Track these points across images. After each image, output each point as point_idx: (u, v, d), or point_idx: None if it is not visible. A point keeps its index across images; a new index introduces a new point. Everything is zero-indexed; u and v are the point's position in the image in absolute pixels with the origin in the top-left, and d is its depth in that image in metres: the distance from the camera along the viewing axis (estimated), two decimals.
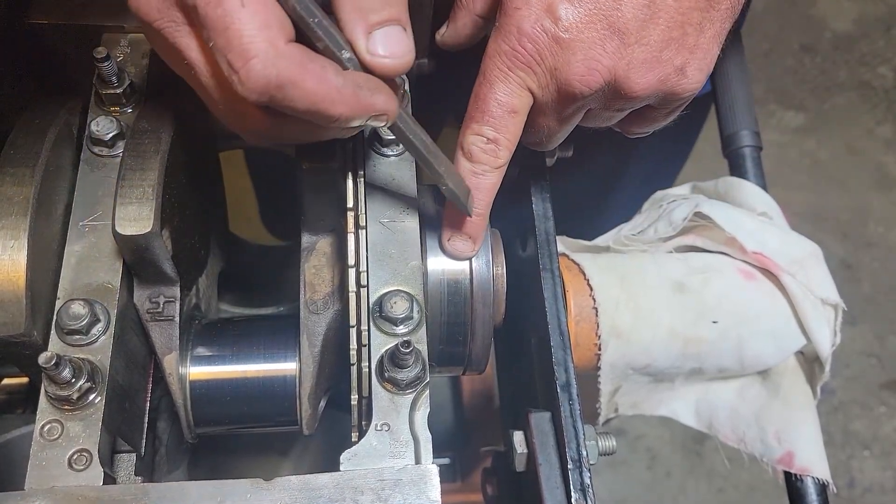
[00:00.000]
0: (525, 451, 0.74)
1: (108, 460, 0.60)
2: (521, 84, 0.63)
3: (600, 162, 1.27)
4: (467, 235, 0.69)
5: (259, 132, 0.59)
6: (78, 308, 0.60)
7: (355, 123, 0.56)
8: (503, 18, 0.62)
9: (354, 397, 0.63)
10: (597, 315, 0.83)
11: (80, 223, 0.65)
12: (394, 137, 0.70)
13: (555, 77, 0.62)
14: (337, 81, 0.53)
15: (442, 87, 1.08)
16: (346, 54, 0.55)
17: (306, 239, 0.75)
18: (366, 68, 0.55)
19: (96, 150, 0.68)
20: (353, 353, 0.63)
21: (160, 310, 0.67)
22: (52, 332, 0.61)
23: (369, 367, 0.61)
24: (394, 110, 0.57)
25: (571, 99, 0.63)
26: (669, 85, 0.63)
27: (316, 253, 0.75)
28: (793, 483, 0.93)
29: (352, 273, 0.65)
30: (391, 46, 0.55)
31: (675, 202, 0.93)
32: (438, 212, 0.73)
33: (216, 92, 0.56)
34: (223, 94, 0.56)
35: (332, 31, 0.54)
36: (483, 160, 0.66)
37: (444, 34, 0.73)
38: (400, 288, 0.64)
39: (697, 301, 0.89)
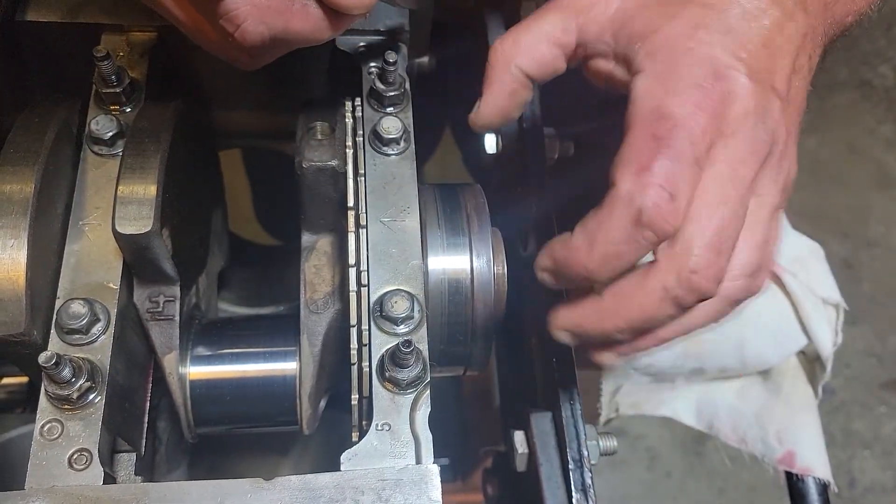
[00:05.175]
0: (526, 451, 0.74)
1: (108, 460, 0.60)
2: None
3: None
4: None
5: (257, 63, 0.64)
6: (78, 307, 0.60)
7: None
8: None
9: (355, 397, 0.63)
10: None
11: (80, 222, 0.65)
12: (395, 136, 0.69)
13: None
14: (318, 13, 0.59)
15: (442, 86, 1.08)
16: None
17: (306, 238, 0.75)
18: (335, 7, 0.59)
19: (96, 148, 0.68)
20: (353, 352, 0.63)
21: (160, 309, 0.67)
22: (52, 331, 0.60)
23: (370, 366, 0.61)
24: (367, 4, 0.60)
25: None
26: None
27: (316, 252, 0.74)
28: (794, 483, 0.93)
29: (352, 272, 0.65)
30: None
31: None
32: (438, 211, 0.73)
33: (210, 42, 0.61)
34: (217, 44, 0.61)
35: None
36: None
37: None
38: (400, 287, 0.64)
39: None
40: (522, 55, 0.59)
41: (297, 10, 0.58)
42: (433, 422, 0.59)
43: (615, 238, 0.51)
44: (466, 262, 0.71)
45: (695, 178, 0.51)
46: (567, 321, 0.57)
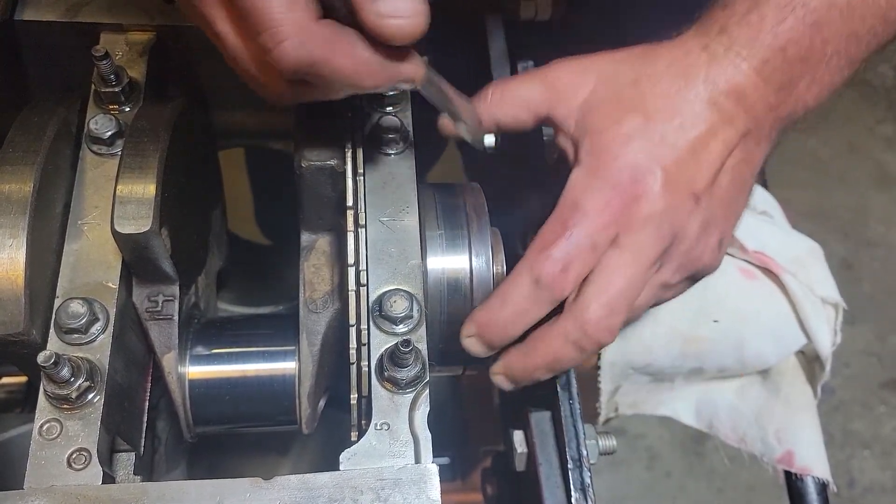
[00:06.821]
0: (525, 450, 0.74)
1: (107, 459, 0.60)
2: None
3: None
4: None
5: (286, 98, 0.60)
6: (77, 307, 0.60)
7: (384, 91, 0.63)
8: None
9: (354, 396, 0.63)
10: None
11: (79, 222, 0.65)
12: (394, 136, 0.70)
13: None
14: (365, 55, 0.55)
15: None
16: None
17: (305, 238, 0.75)
18: (375, 34, 0.53)
19: (95, 148, 0.68)
20: (352, 352, 0.63)
21: (159, 309, 0.67)
22: (51, 330, 0.60)
23: (369, 366, 0.61)
24: (420, 74, 0.59)
25: None
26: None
27: (315, 252, 0.74)
28: (793, 482, 0.93)
29: (351, 272, 0.65)
30: (397, 4, 0.52)
31: None
32: (438, 211, 0.73)
33: (246, 61, 0.58)
34: (253, 65, 0.58)
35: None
36: None
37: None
38: (400, 287, 0.64)
39: (698, 300, 0.89)
40: (504, 111, 0.69)
41: (343, 46, 0.54)
42: (432, 421, 0.59)
43: (521, 295, 0.64)
44: (465, 261, 0.71)
45: (589, 259, 0.63)
46: (499, 367, 0.68)
